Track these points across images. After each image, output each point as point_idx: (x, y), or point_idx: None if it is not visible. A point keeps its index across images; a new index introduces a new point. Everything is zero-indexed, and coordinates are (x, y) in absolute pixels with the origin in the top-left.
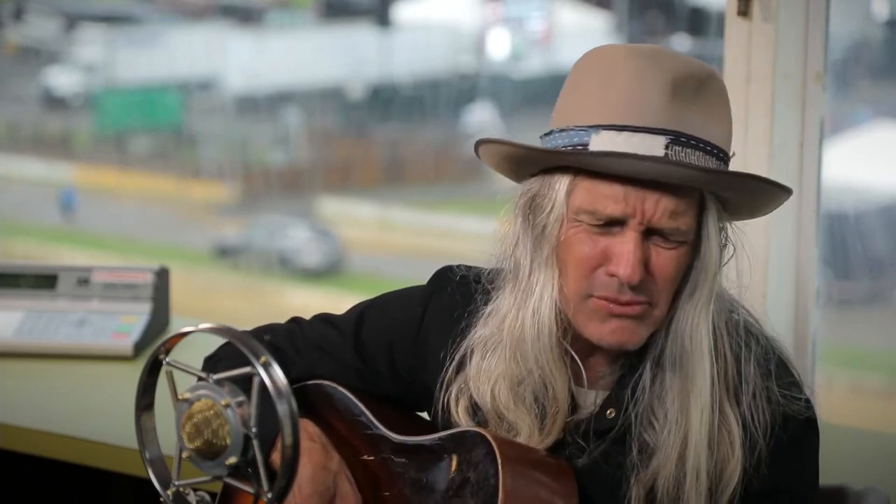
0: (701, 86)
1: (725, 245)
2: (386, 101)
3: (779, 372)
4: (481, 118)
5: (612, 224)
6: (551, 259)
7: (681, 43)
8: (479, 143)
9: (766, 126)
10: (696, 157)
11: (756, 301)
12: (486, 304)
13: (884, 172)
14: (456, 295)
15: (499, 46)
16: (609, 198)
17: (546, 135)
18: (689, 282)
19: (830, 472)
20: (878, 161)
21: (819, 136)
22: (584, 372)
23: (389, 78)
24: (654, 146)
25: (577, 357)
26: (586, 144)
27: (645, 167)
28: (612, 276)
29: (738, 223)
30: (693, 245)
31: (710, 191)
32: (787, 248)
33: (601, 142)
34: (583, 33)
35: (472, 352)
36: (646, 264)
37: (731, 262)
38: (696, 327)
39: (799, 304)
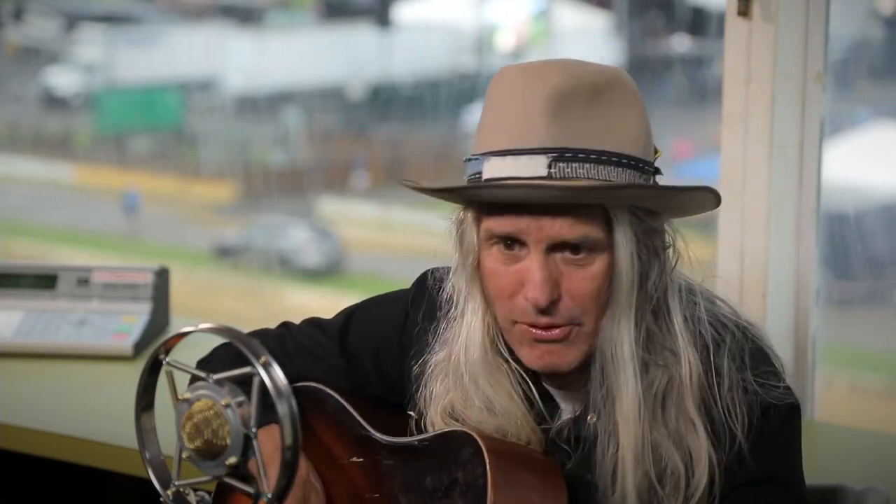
0: (595, 94)
1: (670, 246)
2: (386, 101)
3: (754, 362)
4: None
5: (516, 246)
6: (474, 288)
7: (681, 43)
8: (404, 185)
9: (766, 126)
10: (585, 171)
11: (756, 301)
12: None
13: (884, 172)
14: (433, 302)
15: (499, 46)
16: (503, 220)
17: (467, 161)
18: (608, 294)
19: (830, 472)
20: (878, 161)
21: (819, 136)
22: (540, 376)
23: (389, 78)
24: (537, 167)
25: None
26: (481, 173)
27: (523, 192)
28: (528, 300)
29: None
30: (609, 259)
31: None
32: (787, 248)
33: (490, 169)
34: (583, 33)
35: (429, 379)
36: (558, 287)
37: (701, 253)
38: (617, 338)
39: (799, 304)
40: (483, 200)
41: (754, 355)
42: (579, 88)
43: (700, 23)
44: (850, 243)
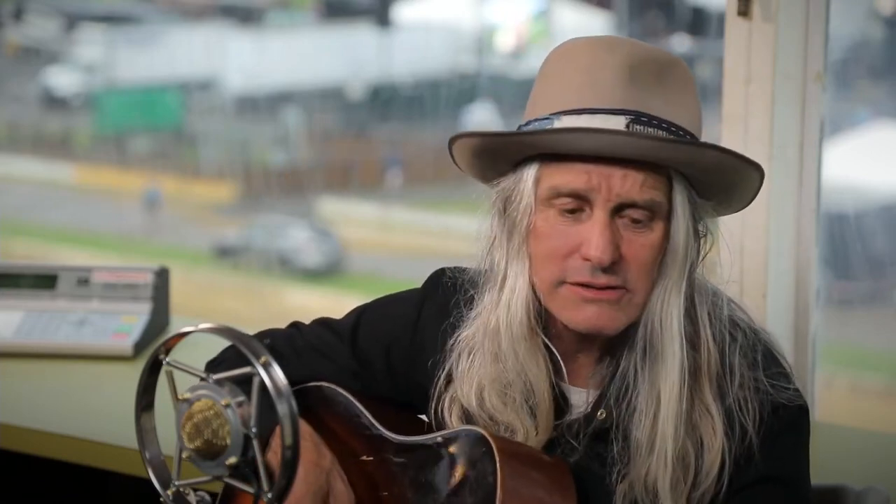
0: (662, 71)
1: (705, 235)
2: (386, 101)
3: (766, 363)
4: (481, 118)
5: (580, 207)
6: (522, 250)
7: (681, 43)
8: (452, 142)
9: (766, 126)
10: (659, 136)
11: (756, 301)
12: (472, 307)
13: (884, 172)
14: (448, 299)
15: (499, 46)
16: (573, 174)
17: (526, 125)
18: (660, 265)
19: (830, 472)
20: (878, 161)
21: (819, 136)
22: (563, 366)
23: (389, 78)
24: (615, 125)
25: (557, 353)
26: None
27: (605, 140)
28: (586, 259)
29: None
30: (665, 230)
31: (677, 169)
32: (787, 248)
33: (563, 125)
34: (583, 33)
35: (458, 356)
36: (619, 249)
37: (717, 257)
38: (666, 310)
39: (799, 304)
40: (558, 151)
41: (766, 356)
42: (649, 61)
43: (700, 23)
44: (850, 243)
